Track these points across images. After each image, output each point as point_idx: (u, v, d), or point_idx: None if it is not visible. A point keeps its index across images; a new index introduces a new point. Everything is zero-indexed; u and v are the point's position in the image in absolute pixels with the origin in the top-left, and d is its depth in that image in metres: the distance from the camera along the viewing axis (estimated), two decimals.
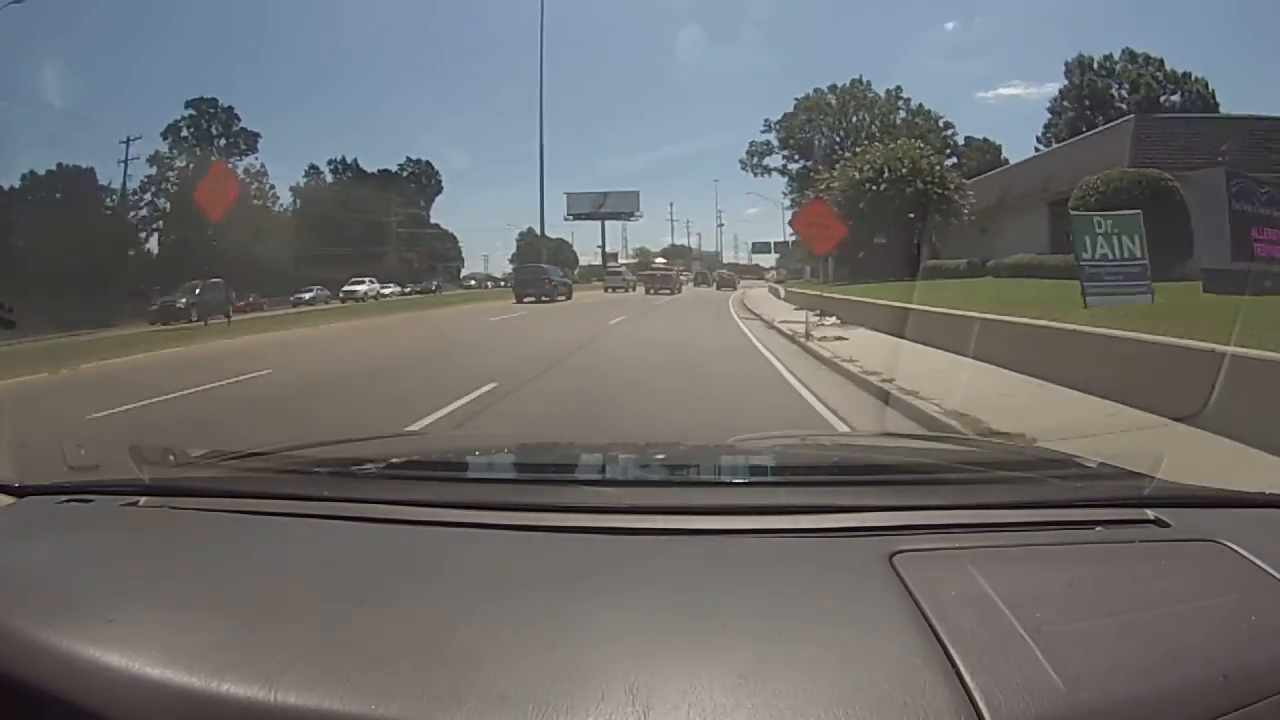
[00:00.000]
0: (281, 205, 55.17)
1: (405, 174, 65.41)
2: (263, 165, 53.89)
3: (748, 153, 52.79)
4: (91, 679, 0.74)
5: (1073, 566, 0.91)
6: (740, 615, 0.80)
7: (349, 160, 61.55)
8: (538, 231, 62.55)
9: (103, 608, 0.84)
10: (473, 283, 65.47)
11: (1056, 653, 0.71)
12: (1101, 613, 0.80)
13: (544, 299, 28.50)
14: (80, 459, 1.43)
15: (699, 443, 1.99)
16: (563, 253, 66.94)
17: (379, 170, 62.18)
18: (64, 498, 1.29)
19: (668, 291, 34.20)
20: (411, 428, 5.40)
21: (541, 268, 33.24)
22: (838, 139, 47.56)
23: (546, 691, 0.67)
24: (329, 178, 60.36)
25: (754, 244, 76.06)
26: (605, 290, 39.14)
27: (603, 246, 69.76)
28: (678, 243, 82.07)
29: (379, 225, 56.68)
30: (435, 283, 55.02)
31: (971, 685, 0.67)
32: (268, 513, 1.15)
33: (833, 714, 0.64)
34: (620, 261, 62.21)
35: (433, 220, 66.44)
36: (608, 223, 68.84)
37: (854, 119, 49.57)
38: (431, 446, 1.98)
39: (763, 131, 52.81)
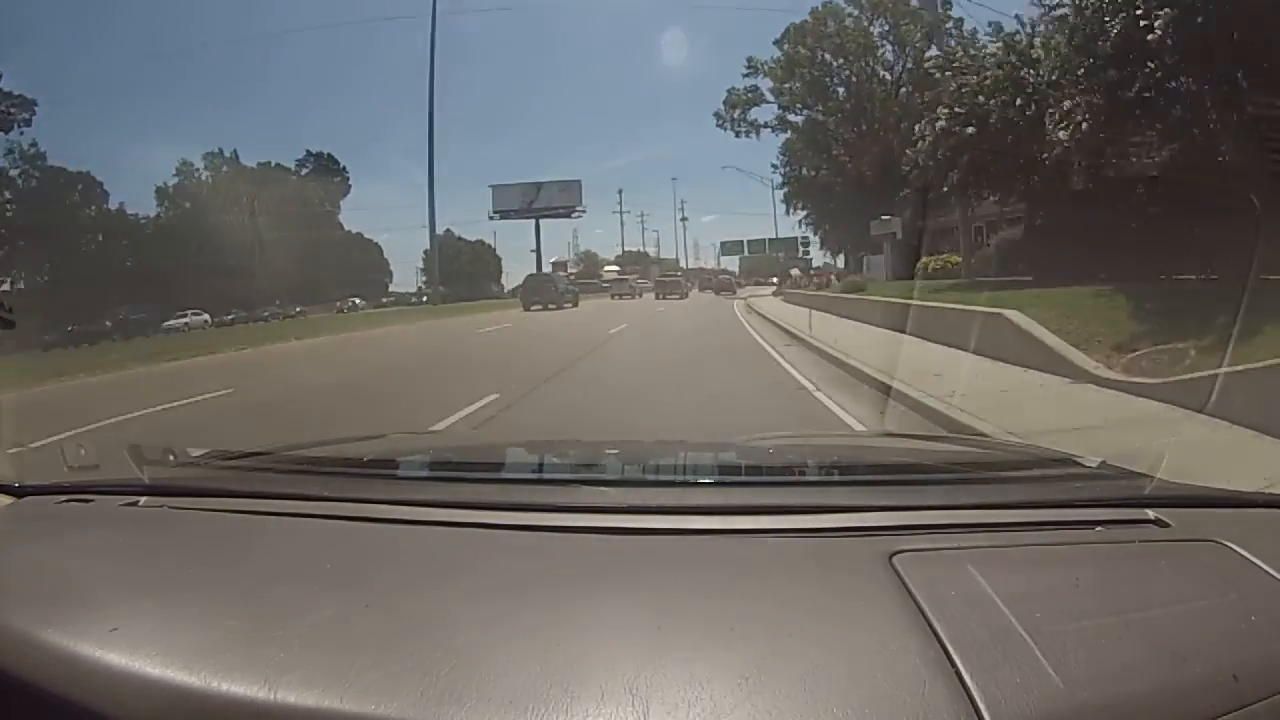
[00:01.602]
0: (118, 205, 41.55)
1: (303, 171, 50.60)
2: (35, 144, 37.59)
3: (726, 104, 35.03)
4: (91, 679, 0.74)
5: (1073, 566, 0.91)
6: (741, 615, 0.80)
7: (227, 153, 47.43)
8: (455, 234, 53.14)
9: (103, 608, 0.85)
10: (357, 300, 45.09)
11: (1056, 653, 0.71)
12: (1102, 613, 0.80)
13: (550, 306, 29.01)
14: (80, 459, 1.43)
15: (701, 442, 2.00)
16: (482, 258, 55.08)
17: (259, 164, 47.53)
18: (64, 498, 1.29)
19: (676, 296, 36.15)
20: None
21: (549, 276, 36.32)
22: (857, 77, 31.72)
23: (547, 691, 0.67)
24: (205, 175, 46.74)
25: (723, 244, 61.60)
26: (611, 297, 39.54)
27: (538, 249, 54.40)
28: (631, 248, 68.64)
29: (258, 231, 43.68)
30: (112, 320, 29.76)
31: (971, 685, 0.67)
32: (268, 513, 1.16)
33: (833, 714, 0.64)
34: (570, 270, 53.92)
35: (348, 226, 52.08)
36: (546, 222, 53.94)
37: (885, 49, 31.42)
38: (431, 446, 1.98)
39: (745, 75, 34.66)
